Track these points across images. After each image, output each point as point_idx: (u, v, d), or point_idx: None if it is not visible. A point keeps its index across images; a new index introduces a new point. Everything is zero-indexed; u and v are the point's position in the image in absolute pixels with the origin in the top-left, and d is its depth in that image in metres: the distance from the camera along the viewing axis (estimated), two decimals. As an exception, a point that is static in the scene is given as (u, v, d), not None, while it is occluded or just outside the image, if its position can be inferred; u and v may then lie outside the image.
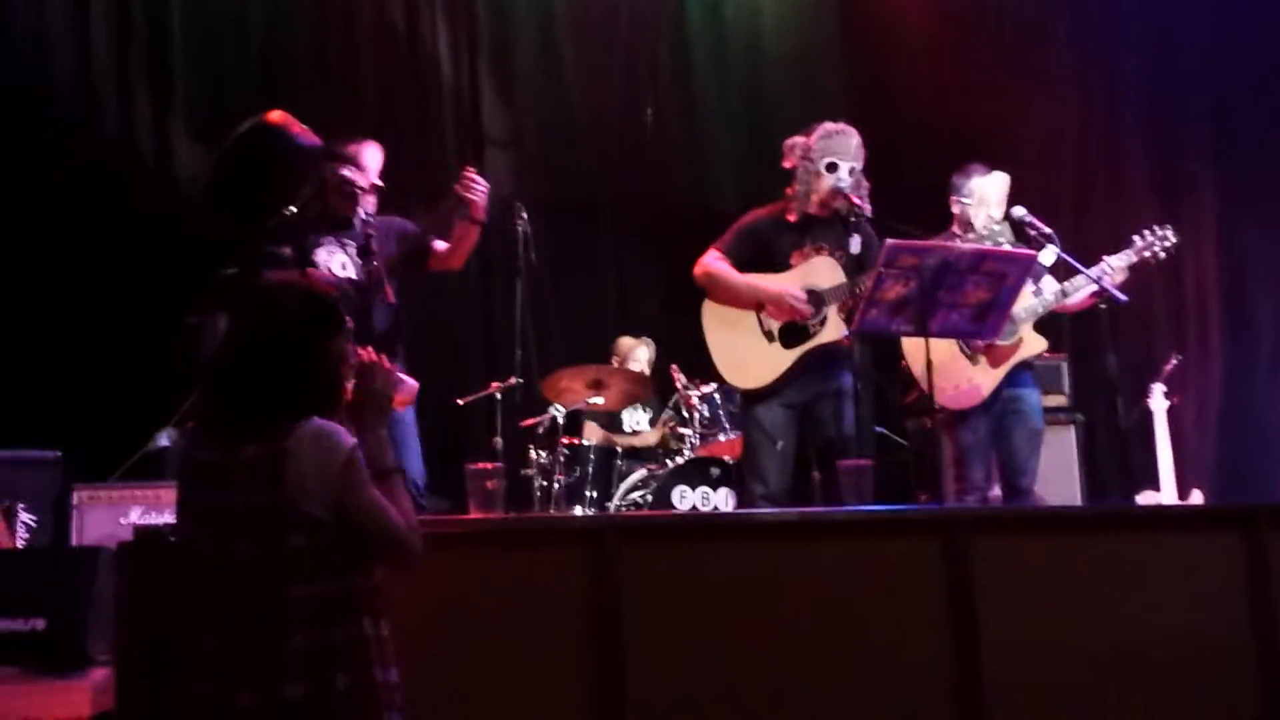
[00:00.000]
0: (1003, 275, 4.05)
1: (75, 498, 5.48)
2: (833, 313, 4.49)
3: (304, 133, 3.64)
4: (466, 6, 7.34)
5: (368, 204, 4.38)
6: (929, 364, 4.00)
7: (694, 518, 4.05)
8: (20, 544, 5.39)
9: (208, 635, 2.47)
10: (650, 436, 6.56)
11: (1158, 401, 5.97)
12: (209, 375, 2.62)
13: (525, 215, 5.97)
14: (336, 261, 4.32)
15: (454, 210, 4.45)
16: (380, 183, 4.43)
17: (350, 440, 2.50)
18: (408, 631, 2.60)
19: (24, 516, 5.49)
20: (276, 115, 3.55)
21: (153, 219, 6.22)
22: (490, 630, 3.09)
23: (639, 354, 6.75)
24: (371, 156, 4.44)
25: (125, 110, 6.57)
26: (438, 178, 4.56)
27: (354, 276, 4.32)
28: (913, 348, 4.81)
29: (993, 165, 4.97)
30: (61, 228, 6.14)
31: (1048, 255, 4.89)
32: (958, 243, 4.30)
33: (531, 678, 3.10)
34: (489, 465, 3.44)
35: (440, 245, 4.52)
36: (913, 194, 6.55)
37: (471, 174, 4.39)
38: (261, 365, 2.52)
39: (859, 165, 4.56)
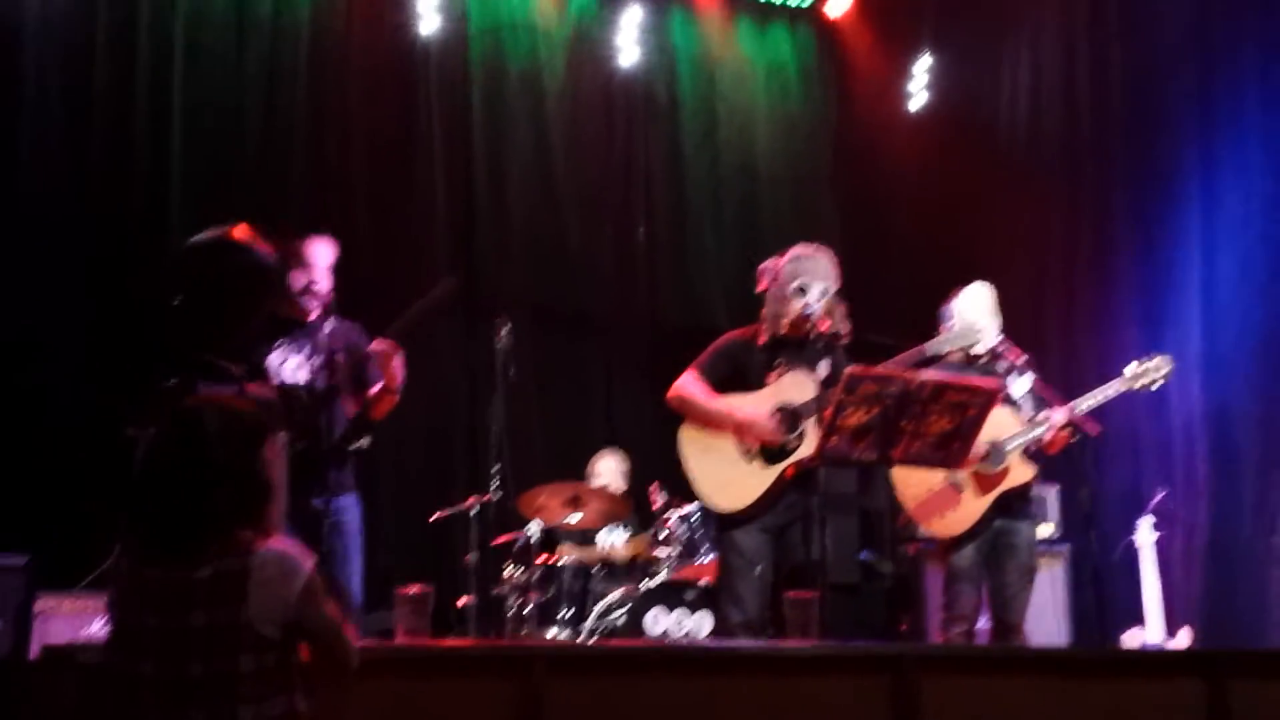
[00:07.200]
0: (965, 406, 3.99)
1: (39, 606, 5.41)
2: (811, 426, 4.40)
3: (266, 250, 3.62)
4: (463, 120, 7.40)
5: (315, 305, 4.32)
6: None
7: (625, 650, 3.93)
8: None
9: None
10: (623, 551, 6.43)
11: (1145, 534, 5.81)
12: (140, 493, 2.60)
13: (506, 330, 5.97)
14: (290, 366, 4.25)
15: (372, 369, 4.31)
16: (329, 280, 4.37)
17: (310, 562, 2.55)
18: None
19: (-15, 624, 5.40)
20: (241, 231, 3.53)
21: (139, 318, 6.18)
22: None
23: (600, 467, 6.66)
24: (320, 253, 4.39)
25: (117, 204, 6.49)
26: (428, 285, 4.42)
27: (305, 379, 4.26)
28: (900, 473, 4.75)
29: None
30: (42, 325, 6.08)
31: (1022, 384, 4.82)
32: (921, 371, 4.23)
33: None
34: (418, 589, 3.35)
35: (375, 387, 4.36)
36: (903, 311, 6.57)
37: (384, 345, 4.20)
38: (187, 485, 2.53)
39: (832, 286, 4.52)
